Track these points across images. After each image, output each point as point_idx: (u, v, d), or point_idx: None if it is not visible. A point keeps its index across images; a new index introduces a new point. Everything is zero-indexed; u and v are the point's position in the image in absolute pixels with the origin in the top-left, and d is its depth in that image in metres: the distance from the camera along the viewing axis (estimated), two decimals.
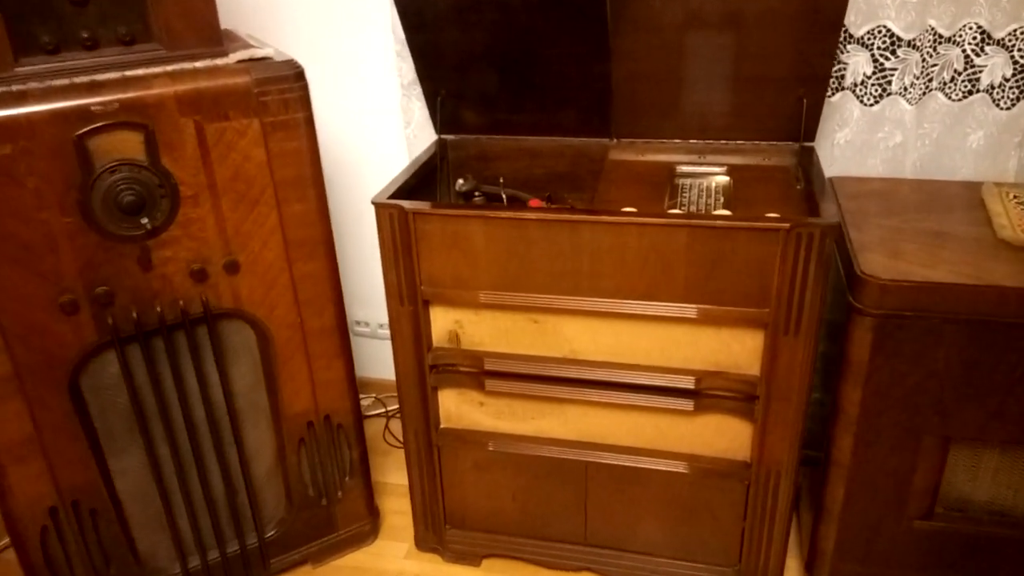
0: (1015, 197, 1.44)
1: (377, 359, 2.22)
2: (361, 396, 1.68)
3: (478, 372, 1.48)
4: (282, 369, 1.50)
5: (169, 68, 1.25)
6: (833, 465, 1.42)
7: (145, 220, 1.26)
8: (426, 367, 1.50)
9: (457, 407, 1.55)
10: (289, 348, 1.49)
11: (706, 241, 1.25)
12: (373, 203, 1.37)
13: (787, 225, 1.21)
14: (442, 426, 1.58)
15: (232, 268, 1.38)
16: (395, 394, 1.56)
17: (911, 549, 1.44)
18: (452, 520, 1.69)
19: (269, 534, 1.64)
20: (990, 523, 1.39)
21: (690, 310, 1.31)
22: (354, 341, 2.00)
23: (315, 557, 1.71)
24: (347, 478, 1.68)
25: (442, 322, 1.47)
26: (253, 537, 1.62)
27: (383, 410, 2.21)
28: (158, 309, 1.34)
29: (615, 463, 1.50)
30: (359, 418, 1.66)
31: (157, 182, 1.26)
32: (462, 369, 1.50)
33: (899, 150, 1.58)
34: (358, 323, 2.17)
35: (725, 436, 1.44)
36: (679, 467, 1.47)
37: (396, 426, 2.14)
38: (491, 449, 1.56)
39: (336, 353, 1.55)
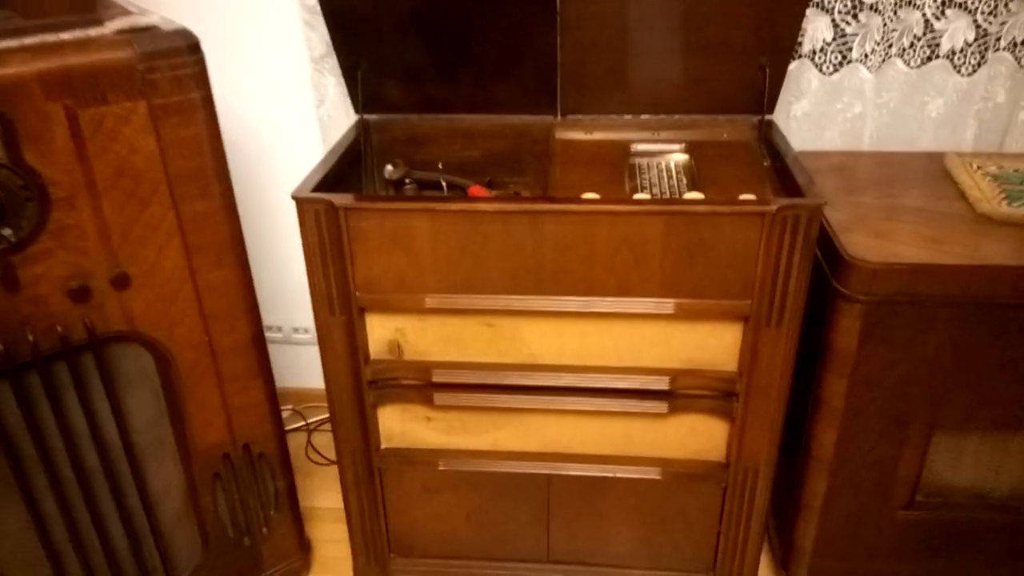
0: (979, 168, 1.38)
1: (294, 366, 1.99)
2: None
3: (424, 385, 1.31)
4: (189, 397, 1.29)
5: (28, 41, 1.01)
6: (813, 460, 1.33)
7: (7, 231, 1.03)
8: (363, 383, 1.31)
9: (401, 424, 1.37)
10: (196, 372, 1.28)
11: (685, 229, 1.12)
12: (294, 198, 1.16)
13: (773, 208, 1.10)
14: (383, 447, 1.40)
15: (121, 282, 1.15)
16: (317, 404, 1.37)
17: (893, 540, 1.38)
18: (397, 548, 1.51)
19: None
20: (972, 508, 1.35)
21: (667, 305, 1.18)
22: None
23: None
24: (272, 511, 1.48)
25: (381, 331, 1.28)
26: None
27: (303, 423, 1.99)
28: (30, 338, 1.10)
29: (580, 474, 1.37)
30: (283, 444, 1.46)
31: (20, 183, 1.02)
32: (405, 383, 1.32)
33: (858, 121, 1.50)
34: (270, 328, 1.94)
35: (700, 437, 1.33)
36: (651, 473, 1.36)
37: (320, 440, 1.93)
38: (441, 468, 1.39)
39: (253, 373, 1.35)
